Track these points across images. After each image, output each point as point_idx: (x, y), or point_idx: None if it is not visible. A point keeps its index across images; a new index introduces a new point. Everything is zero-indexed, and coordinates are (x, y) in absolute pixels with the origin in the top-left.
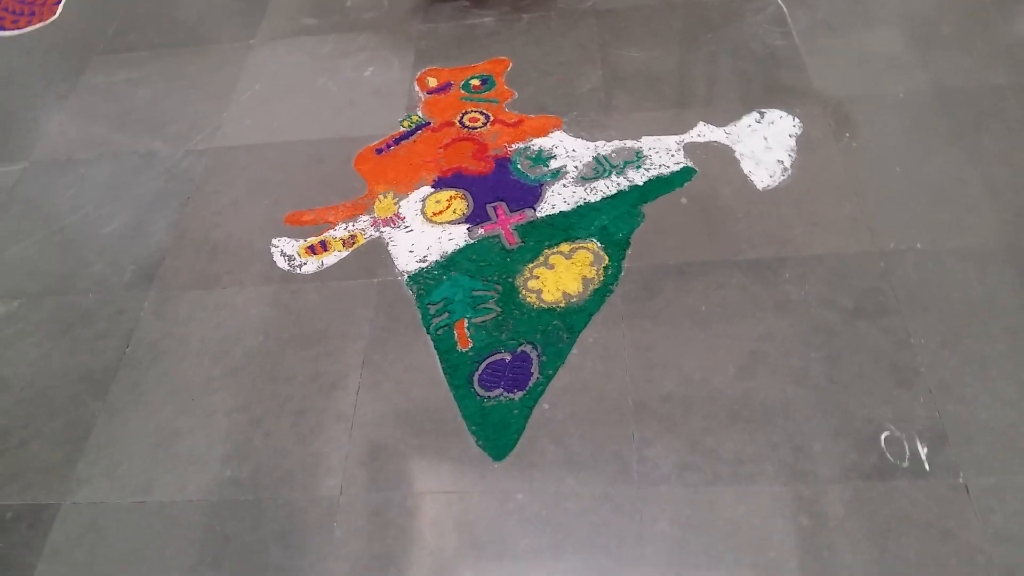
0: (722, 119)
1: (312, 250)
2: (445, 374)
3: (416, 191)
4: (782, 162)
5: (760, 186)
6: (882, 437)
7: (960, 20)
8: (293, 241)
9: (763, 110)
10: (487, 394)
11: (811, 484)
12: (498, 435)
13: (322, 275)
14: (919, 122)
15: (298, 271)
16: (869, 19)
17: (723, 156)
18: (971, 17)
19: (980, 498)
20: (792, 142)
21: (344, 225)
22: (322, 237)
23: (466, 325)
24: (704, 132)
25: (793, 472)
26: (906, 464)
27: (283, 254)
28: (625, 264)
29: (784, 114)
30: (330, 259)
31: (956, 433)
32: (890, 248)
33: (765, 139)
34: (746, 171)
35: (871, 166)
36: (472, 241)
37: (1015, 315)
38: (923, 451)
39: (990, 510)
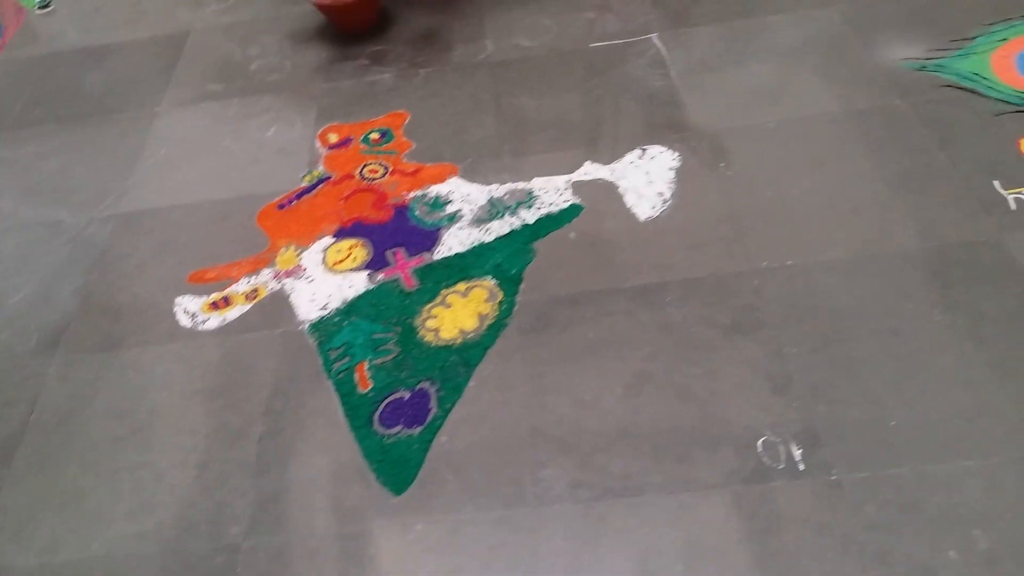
0: (607, 157)
1: (215, 306)
2: (346, 416)
3: (317, 242)
4: (662, 194)
5: (642, 217)
6: (759, 443)
7: (825, 51)
8: (196, 299)
9: (645, 147)
10: (387, 432)
11: (694, 492)
12: (398, 471)
13: (225, 329)
14: (789, 148)
15: (201, 327)
16: (742, 57)
17: (608, 192)
18: (835, 48)
19: (852, 491)
20: (671, 174)
21: (246, 280)
22: (225, 293)
23: (366, 367)
24: (590, 171)
25: (678, 482)
26: (782, 466)
27: (186, 312)
28: (518, 298)
29: (664, 149)
30: (232, 313)
31: (828, 433)
32: (763, 267)
33: (647, 173)
34: (629, 204)
35: (745, 191)
36: (372, 287)
37: (879, 319)
38: (798, 453)
39: (863, 502)
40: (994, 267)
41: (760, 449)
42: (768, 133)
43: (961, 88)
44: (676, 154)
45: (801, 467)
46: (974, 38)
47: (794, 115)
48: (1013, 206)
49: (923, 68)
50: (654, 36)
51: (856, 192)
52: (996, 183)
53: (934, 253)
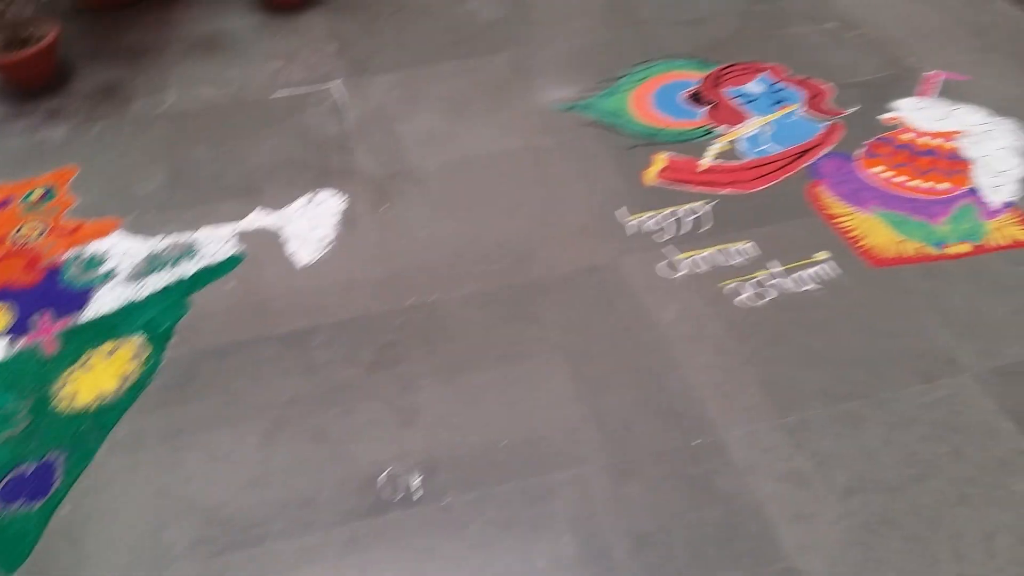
0: (276, 205)
1: None
2: None
3: None
4: (325, 239)
5: (301, 263)
6: (382, 476)
7: (490, 96)
8: None
9: (313, 193)
10: (6, 509)
11: (315, 533)
12: (12, 548)
13: None
14: (447, 189)
15: None
16: (415, 103)
17: (272, 239)
18: (499, 93)
19: (460, 513)
20: (336, 219)
21: None
22: None
23: None
24: (257, 219)
25: (299, 526)
26: (399, 497)
27: None
28: (166, 354)
29: (332, 194)
30: None
31: (448, 460)
32: (408, 304)
33: (312, 219)
34: (290, 251)
35: (401, 233)
36: (10, 354)
37: (503, 346)
38: (417, 482)
39: (468, 522)
40: (610, 288)
41: (382, 483)
42: (430, 175)
43: (602, 125)
44: (343, 199)
45: (417, 496)
46: (619, 78)
47: (455, 157)
48: (629, 232)
49: (572, 108)
50: (334, 84)
51: (501, 226)
52: (620, 211)
53: (562, 279)
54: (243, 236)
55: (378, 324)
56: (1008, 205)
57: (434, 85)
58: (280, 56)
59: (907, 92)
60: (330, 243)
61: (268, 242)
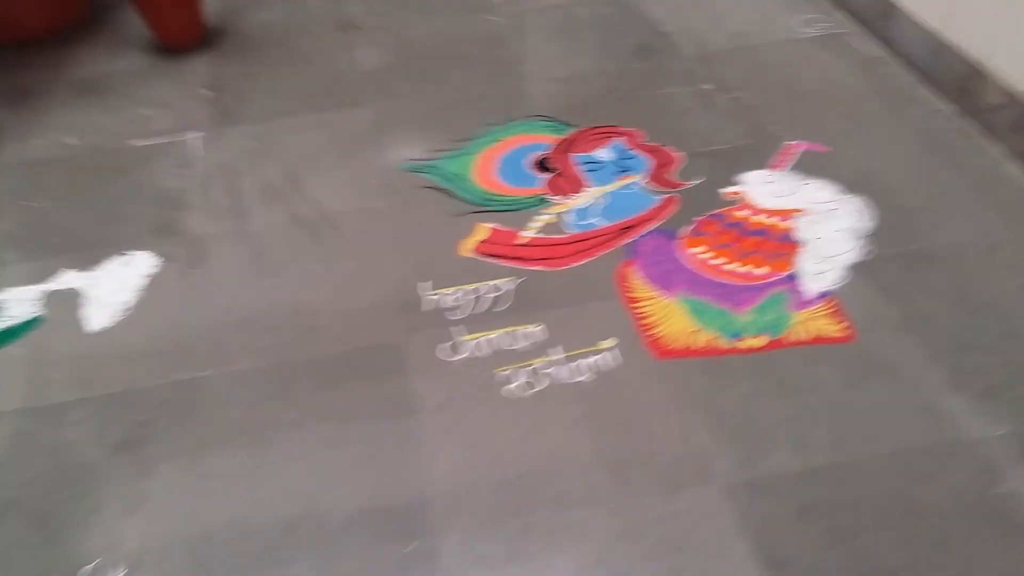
0: (89, 264)
1: None
2: None
3: None
4: (126, 302)
5: (93, 328)
6: (87, 569)
7: (343, 152)
8: None
9: (129, 252)
10: None
11: None
12: None
13: None
14: (265, 252)
15: None
16: (266, 157)
17: (75, 301)
18: (352, 149)
19: None
20: (145, 281)
21: None
22: None
23: None
24: (67, 279)
25: None
26: None
27: None
28: None
29: (149, 254)
30: None
31: (157, 553)
32: (176, 379)
33: (120, 281)
34: (88, 315)
35: (201, 299)
36: None
37: (255, 429)
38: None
39: None
40: (383, 370)
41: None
42: (253, 235)
43: (439, 189)
44: (158, 260)
45: None
46: (473, 139)
47: (284, 218)
48: (426, 307)
49: (417, 169)
50: (192, 136)
51: (303, 295)
52: (424, 284)
53: (340, 357)
54: (51, 297)
55: (140, 400)
56: (824, 295)
57: (291, 138)
58: (154, 103)
59: (760, 163)
60: (127, 308)
61: (72, 304)
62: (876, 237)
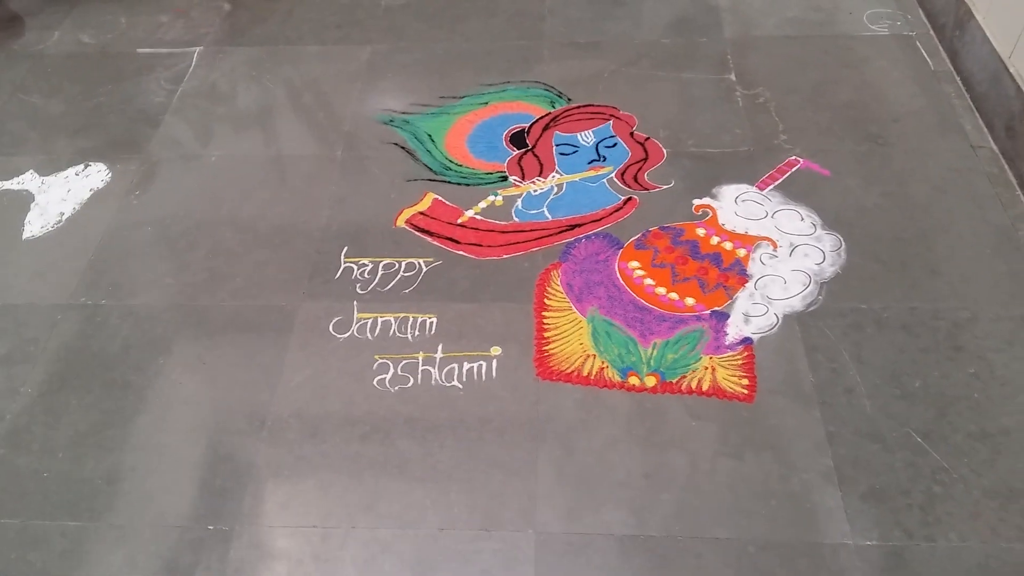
0: (53, 168)
1: None
2: None
3: None
4: (63, 213)
5: (26, 235)
6: None
7: (327, 91)
8: None
9: (91, 163)
10: None
11: None
12: None
13: None
14: (208, 183)
15: None
16: (253, 83)
17: (25, 204)
18: (337, 89)
19: None
20: (88, 195)
21: None
22: None
23: None
24: (25, 180)
25: None
26: None
27: None
28: None
29: (104, 168)
30: None
31: None
32: (79, 302)
33: (68, 191)
34: (27, 220)
35: (133, 224)
36: None
37: (168, 362)
38: None
39: None
40: (268, 334)
41: None
42: (206, 165)
43: (403, 148)
44: (110, 175)
45: None
46: (461, 97)
47: (243, 151)
48: (337, 275)
49: (390, 122)
50: (197, 50)
51: (225, 236)
52: (345, 250)
53: (234, 311)
54: (3, 195)
55: (34, 318)
56: (744, 342)
57: (283, 69)
58: (171, 11)
59: (749, 176)
60: (62, 220)
61: (20, 207)
62: (831, 286)
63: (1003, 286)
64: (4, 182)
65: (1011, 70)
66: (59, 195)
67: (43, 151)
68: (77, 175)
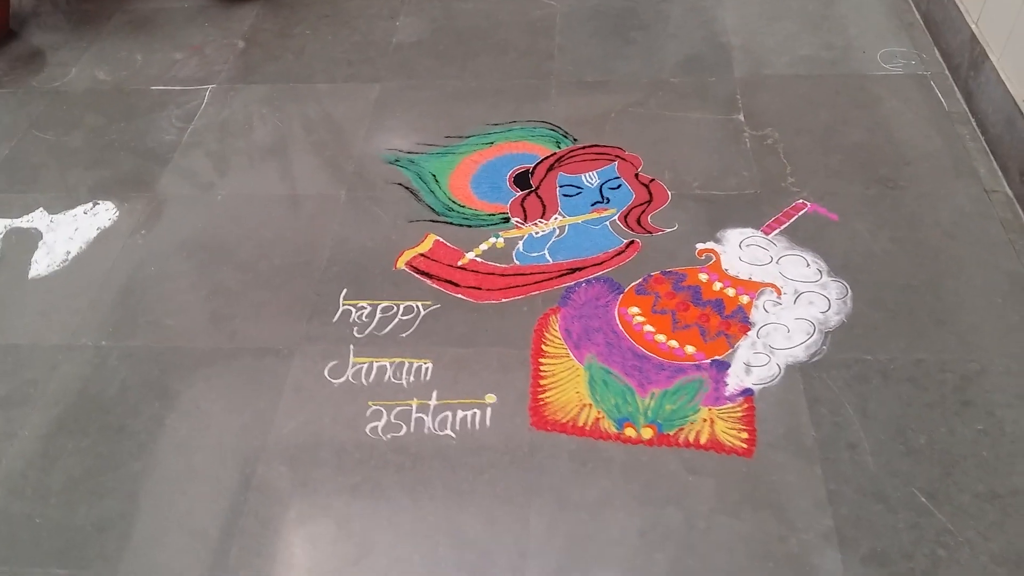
0: (63, 206)
1: None
2: None
3: None
4: (69, 252)
5: (32, 274)
6: None
7: (334, 129)
8: None
9: (99, 201)
10: None
11: None
12: None
13: None
14: (214, 223)
15: None
16: (262, 121)
17: (33, 242)
18: (343, 128)
19: None
20: (95, 233)
21: None
22: None
23: None
24: (35, 218)
25: None
26: None
27: None
28: None
29: (112, 206)
30: None
31: None
32: (80, 342)
33: (76, 229)
34: (34, 259)
35: (135, 262)
36: None
37: (164, 406)
38: None
39: None
40: (264, 378)
41: None
42: (213, 204)
43: (407, 188)
44: (117, 214)
45: None
46: (467, 137)
47: (248, 191)
48: (335, 318)
49: (396, 161)
50: (209, 87)
51: (225, 280)
52: (344, 292)
53: (230, 354)
54: (12, 233)
55: (36, 358)
56: (745, 393)
57: (293, 106)
58: (189, 46)
59: (756, 220)
60: (67, 260)
61: (27, 245)
62: (836, 336)
63: (1014, 337)
64: (15, 220)
65: None
66: (67, 234)
67: (54, 188)
68: (85, 213)
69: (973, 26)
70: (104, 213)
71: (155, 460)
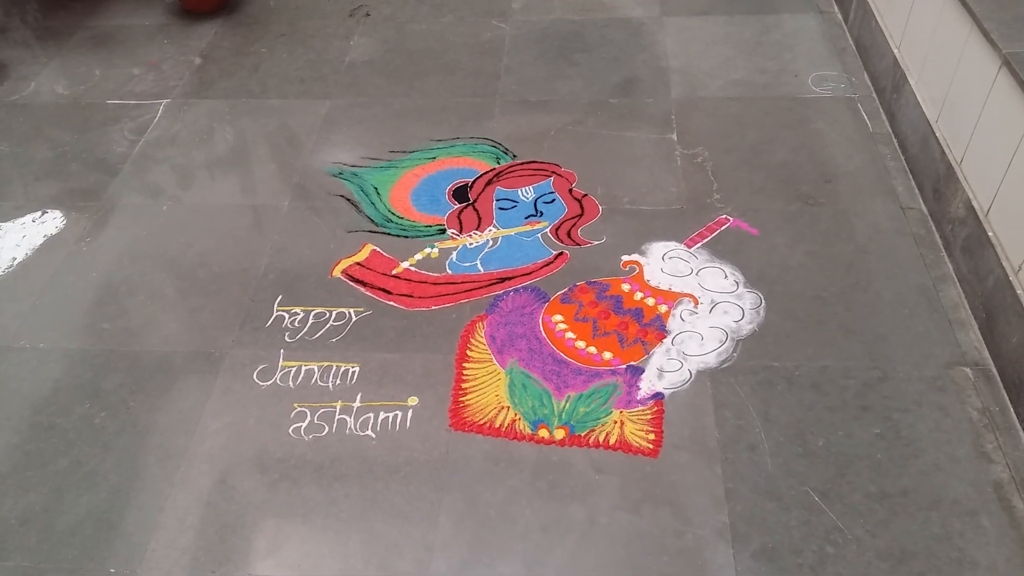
0: (13, 215)
1: None
2: None
3: None
4: (15, 258)
5: None
6: None
7: (283, 141)
8: None
9: (48, 210)
10: None
11: None
12: None
13: None
14: (156, 233)
15: None
16: (209, 139)
17: None
18: (292, 140)
19: None
20: (41, 241)
21: None
22: None
23: None
24: None
25: None
26: None
27: None
28: None
29: (60, 215)
30: None
31: None
32: (17, 344)
33: (24, 236)
34: None
35: (77, 269)
36: None
37: (92, 409)
38: None
39: None
40: (192, 381)
41: None
42: (158, 214)
43: (349, 200)
44: (64, 222)
45: None
46: (411, 152)
47: (194, 201)
48: (268, 323)
49: (340, 174)
50: (164, 102)
51: (161, 286)
52: (279, 299)
53: (162, 358)
54: None
55: None
56: (655, 397)
57: (242, 121)
58: (143, 64)
59: (680, 233)
60: (11, 266)
61: None
62: (748, 344)
63: (917, 346)
64: None
65: (937, 133)
66: (14, 241)
67: (5, 198)
68: (34, 222)
69: (896, 50)
70: (52, 222)
71: (80, 458)
